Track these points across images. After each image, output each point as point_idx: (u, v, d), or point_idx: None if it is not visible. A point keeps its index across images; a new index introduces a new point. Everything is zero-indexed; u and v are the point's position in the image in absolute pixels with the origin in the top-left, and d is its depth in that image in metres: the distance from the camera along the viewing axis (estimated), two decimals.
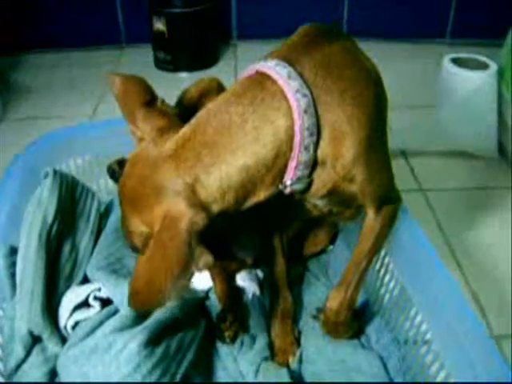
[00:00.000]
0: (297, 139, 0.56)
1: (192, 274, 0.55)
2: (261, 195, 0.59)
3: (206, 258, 0.54)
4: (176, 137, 0.57)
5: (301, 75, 0.57)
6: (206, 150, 0.55)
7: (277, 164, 0.57)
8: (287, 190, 0.61)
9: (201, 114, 0.58)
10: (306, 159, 0.58)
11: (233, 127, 0.55)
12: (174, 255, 0.52)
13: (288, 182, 0.60)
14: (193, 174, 0.54)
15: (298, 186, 0.61)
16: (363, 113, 0.59)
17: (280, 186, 0.60)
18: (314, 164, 0.60)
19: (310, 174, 0.61)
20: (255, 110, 0.56)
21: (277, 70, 0.57)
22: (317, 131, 0.58)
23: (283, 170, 0.58)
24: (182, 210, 0.53)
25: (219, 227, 0.58)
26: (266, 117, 0.56)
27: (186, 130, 0.57)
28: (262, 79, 0.58)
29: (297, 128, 0.56)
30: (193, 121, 0.58)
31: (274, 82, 0.57)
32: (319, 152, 0.59)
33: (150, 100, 0.62)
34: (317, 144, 0.58)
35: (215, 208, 0.56)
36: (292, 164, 0.58)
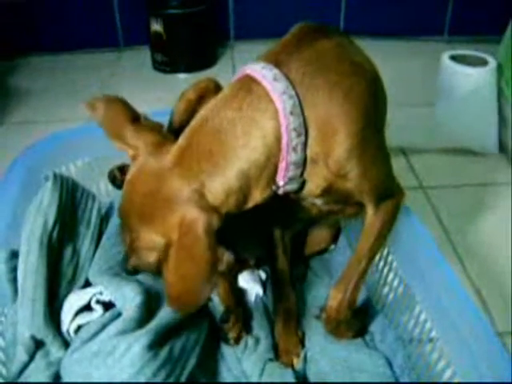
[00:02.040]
0: (284, 141, 0.57)
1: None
2: (257, 197, 0.60)
3: (228, 256, 0.57)
4: (174, 148, 0.58)
5: (287, 76, 0.58)
6: (205, 157, 0.57)
7: (268, 166, 0.58)
8: (280, 191, 0.61)
9: (193, 122, 0.60)
10: (295, 160, 0.58)
11: (223, 133, 0.57)
12: (201, 258, 0.54)
13: (280, 183, 0.60)
14: (198, 180, 0.56)
15: (291, 187, 0.62)
16: (354, 107, 0.59)
17: (273, 187, 0.61)
18: (305, 163, 0.60)
19: (302, 174, 0.61)
20: (243, 114, 0.57)
21: (263, 73, 0.58)
22: (305, 131, 0.58)
23: (275, 172, 0.59)
24: (196, 214, 0.54)
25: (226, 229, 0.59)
26: (253, 120, 0.57)
27: (182, 140, 0.59)
28: (249, 82, 0.59)
29: (283, 130, 0.56)
30: (187, 130, 0.60)
31: (260, 84, 0.57)
32: (309, 151, 0.59)
33: (135, 117, 0.64)
34: (306, 144, 0.59)
35: (223, 210, 0.57)
36: (282, 165, 0.58)
